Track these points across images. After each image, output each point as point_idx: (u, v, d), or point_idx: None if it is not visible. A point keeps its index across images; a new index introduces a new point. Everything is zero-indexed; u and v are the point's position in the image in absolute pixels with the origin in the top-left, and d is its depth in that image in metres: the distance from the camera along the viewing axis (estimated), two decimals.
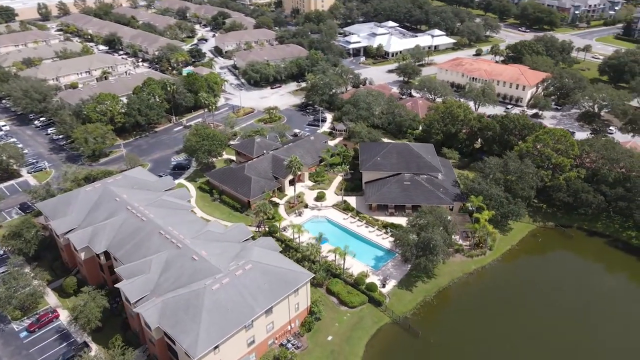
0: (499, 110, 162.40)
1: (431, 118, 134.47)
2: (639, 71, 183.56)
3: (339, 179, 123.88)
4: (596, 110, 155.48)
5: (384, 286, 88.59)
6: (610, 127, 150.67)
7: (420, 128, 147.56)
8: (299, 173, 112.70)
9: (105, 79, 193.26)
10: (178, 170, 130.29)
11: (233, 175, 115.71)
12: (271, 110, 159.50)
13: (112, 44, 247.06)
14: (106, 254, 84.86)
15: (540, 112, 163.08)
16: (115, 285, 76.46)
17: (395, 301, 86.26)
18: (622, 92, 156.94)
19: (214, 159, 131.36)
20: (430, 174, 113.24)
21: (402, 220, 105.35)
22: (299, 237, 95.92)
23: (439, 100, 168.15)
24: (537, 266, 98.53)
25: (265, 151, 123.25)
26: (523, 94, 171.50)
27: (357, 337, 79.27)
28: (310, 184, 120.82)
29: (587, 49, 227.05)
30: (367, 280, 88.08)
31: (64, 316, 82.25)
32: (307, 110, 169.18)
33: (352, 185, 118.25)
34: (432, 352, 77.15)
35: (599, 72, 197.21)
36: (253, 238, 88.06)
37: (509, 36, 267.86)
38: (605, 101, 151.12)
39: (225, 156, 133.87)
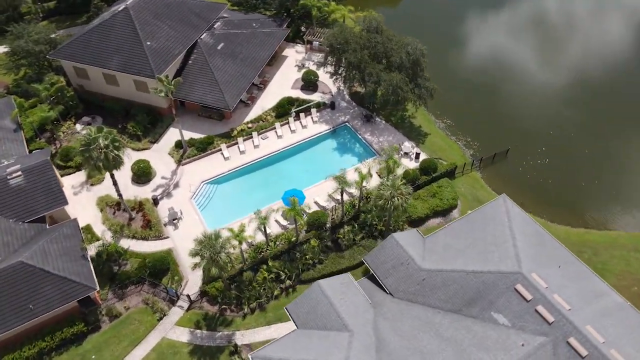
0: None
1: None
2: None
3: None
4: None
5: (417, 157, 56.83)
6: None
7: None
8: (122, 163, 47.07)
9: None
10: None
11: None
12: None
13: None
14: None
15: None
16: None
17: (449, 153, 58.47)
18: None
19: None
20: (224, 17, 69.49)
21: (273, 100, 64.72)
22: (299, 230, 45.69)
23: None
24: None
25: None
26: None
27: None
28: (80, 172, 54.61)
29: None
30: (406, 167, 54.49)
31: None
32: None
33: (145, 119, 60.44)
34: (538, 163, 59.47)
35: None
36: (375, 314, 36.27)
37: None
38: None
39: None
